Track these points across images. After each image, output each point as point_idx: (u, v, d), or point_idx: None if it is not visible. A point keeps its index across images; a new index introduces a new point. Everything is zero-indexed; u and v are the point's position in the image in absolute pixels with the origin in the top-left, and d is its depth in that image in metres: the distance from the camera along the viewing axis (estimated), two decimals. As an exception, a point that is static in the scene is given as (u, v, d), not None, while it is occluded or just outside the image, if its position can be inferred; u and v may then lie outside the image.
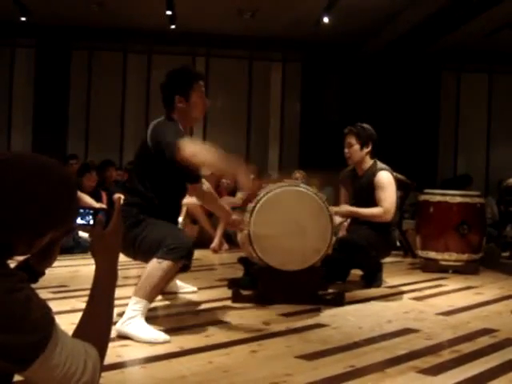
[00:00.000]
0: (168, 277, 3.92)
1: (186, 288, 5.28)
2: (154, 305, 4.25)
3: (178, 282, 5.22)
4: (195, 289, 5.34)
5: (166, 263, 3.79)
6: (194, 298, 5.14)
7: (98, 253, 1.82)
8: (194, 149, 3.83)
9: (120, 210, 1.87)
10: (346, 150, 5.82)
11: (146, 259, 3.95)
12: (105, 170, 9.99)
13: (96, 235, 1.83)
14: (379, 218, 5.59)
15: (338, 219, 5.74)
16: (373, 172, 5.72)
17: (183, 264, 3.96)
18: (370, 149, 5.77)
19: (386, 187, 5.62)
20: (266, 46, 14.09)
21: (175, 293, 5.16)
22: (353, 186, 5.93)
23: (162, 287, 3.98)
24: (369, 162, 5.80)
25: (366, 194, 5.66)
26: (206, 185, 4.61)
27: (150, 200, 4.08)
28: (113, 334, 3.37)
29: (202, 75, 4.42)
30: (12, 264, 1.62)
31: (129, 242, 3.94)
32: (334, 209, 5.34)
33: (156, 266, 3.80)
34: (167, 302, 4.85)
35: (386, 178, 5.66)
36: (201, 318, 4.42)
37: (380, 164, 5.79)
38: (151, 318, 4.09)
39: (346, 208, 5.72)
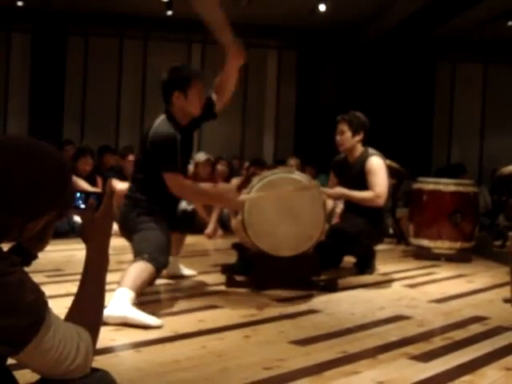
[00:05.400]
0: (151, 279, 4.08)
1: (186, 271, 5.36)
2: (147, 289, 4.28)
3: (180, 265, 5.29)
4: (195, 273, 5.42)
5: (151, 266, 3.99)
6: (188, 282, 5.17)
7: (89, 237, 1.81)
8: (181, 190, 4.35)
9: (111, 193, 1.85)
10: (338, 137, 5.79)
11: (133, 248, 4.27)
12: (102, 155, 9.99)
13: (87, 219, 1.82)
14: (370, 202, 5.55)
15: (329, 203, 5.75)
16: (364, 158, 5.70)
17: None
18: (361, 137, 5.75)
19: (377, 172, 5.60)
20: (262, 33, 14.01)
21: (178, 276, 5.22)
22: (344, 174, 5.90)
23: (145, 286, 4.07)
24: (360, 149, 5.78)
25: (358, 180, 5.63)
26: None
27: (157, 190, 4.34)
28: (104, 319, 3.39)
29: (200, 73, 4.58)
30: (5, 247, 1.62)
31: (133, 223, 4.31)
32: (326, 190, 5.39)
33: (143, 265, 3.97)
34: (161, 287, 4.87)
35: (376, 164, 5.65)
36: (195, 302, 4.44)
37: (371, 150, 5.78)
38: (144, 302, 4.12)
39: (338, 190, 5.69)
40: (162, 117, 4.39)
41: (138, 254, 4.07)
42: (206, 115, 4.64)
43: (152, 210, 4.33)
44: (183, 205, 4.81)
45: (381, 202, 5.57)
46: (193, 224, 4.92)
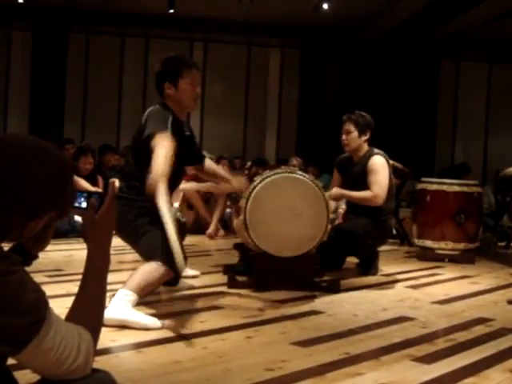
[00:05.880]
0: (161, 282, 3.94)
1: (188, 272, 5.31)
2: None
3: None
4: (198, 273, 5.38)
5: (164, 268, 3.81)
6: (189, 283, 5.15)
7: (90, 237, 1.80)
8: (165, 153, 3.71)
9: (114, 194, 1.84)
10: (344, 137, 5.79)
11: (142, 253, 4.09)
12: (103, 154, 9.97)
13: (88, 219, 1.81)
14: (369, 201, 5.55)
15: (332, 203, 5.73)
16: (367, 157, 5.70)
17: (173, 276, 4.01)
18: (367, 137, 5.76)
19: (377, 171, 5.59)
20: (265, 31, 14.04)
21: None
22: (347, 172, 5.91)
23: (153, 289, 3.97)
24: (365, 149, 5.79)
25: (361, 179, 5.63)
26: (207, 162, 4.59)
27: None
28: (104, 321, 3.37)
29: (193, 63, 4.33)
30: (5, 247, 1.61)
31: (133, 228, 4.04)
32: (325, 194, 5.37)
33: (155, 267, 3.81)
34: (162, 288, 4.84)
35: (378, 162, 5.64)
36: (196, 303, 4.43)
37: (375, 150, 5.78)
38: (146, 303, 4.09)
39: (337, 191, 5.69)
40: (157, 106, 4.19)
41: (151, 258, 3.87)
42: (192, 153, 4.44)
43: (153, 211, 4.12)
44: (178, 214, 4.73)
45: (379, 201, 5.55)
46: (183, 236, 4.73)
